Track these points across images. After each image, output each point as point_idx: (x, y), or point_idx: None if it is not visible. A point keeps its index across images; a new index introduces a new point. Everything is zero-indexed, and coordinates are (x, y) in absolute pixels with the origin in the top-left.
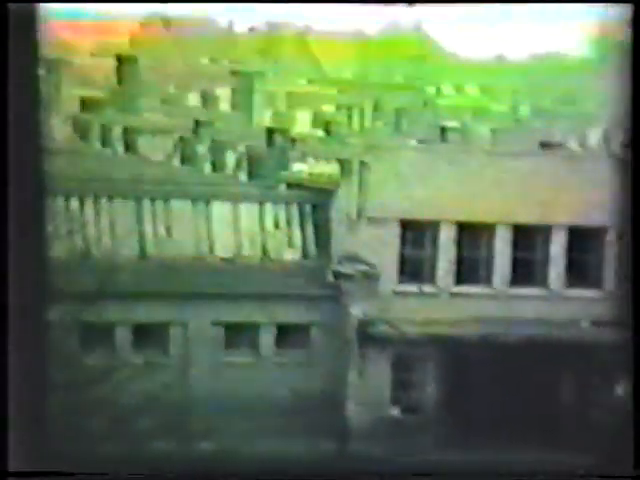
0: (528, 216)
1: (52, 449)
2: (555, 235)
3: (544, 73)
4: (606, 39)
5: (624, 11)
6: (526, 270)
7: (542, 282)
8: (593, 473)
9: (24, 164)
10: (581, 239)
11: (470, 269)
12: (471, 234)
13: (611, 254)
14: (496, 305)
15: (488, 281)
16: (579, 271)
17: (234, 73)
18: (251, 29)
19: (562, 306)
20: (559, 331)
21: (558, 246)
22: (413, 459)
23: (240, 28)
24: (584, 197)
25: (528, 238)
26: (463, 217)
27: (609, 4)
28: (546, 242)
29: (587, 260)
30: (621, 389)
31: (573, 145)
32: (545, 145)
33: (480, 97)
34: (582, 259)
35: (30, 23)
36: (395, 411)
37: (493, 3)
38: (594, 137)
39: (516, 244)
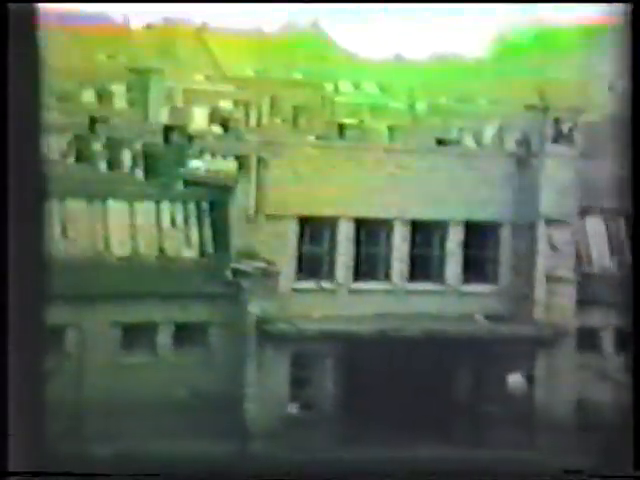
0: (425, 212)
1: (50, 449)
2: (452, 231)
3: (440, 72)
4: (502, 40)
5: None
6: (423, 266)
7: (439, 277)
8: (594, 474)
9: (24, 164)
10: (477, 235)
11: (368, 265)
12: (369, 230)
13: (505, 249)
14: (394, 301)
15: (386, 277)
16: (475, 266)
17: (130, 69)
18: (148, 25)
19: (458, 301)
20: (455, 326)
21: (454, 242)
22: (312, 456)
23: (136, 24)
24: (480, 193)
25: (425, 234)
26: (361, 213)
27: (609, 3)
28: (443, 238)
29: (483, 255)
30: (514, 381)
31: (469, 142)
32: (441, 142)
33: (378, 95)
34: (478, 254)
35: (30, 23)
36: (294, 408)
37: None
38: (489, 135)
39: (414, 240)
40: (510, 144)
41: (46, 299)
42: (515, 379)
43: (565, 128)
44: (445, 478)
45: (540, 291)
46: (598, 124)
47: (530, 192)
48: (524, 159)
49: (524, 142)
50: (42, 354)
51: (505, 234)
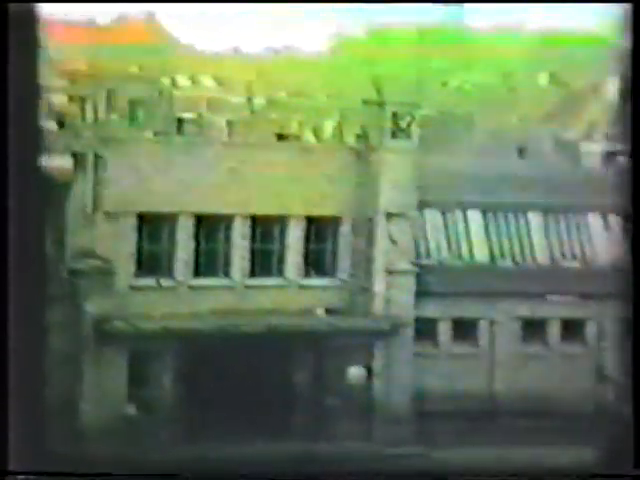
0: (265, 207)
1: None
2: (292, 226)
3: (278, 66)
4: (338, 35)
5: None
6: (264, 260)
7: (279, 272)
8: (593, 473)
9: (24, 164)
10: (317, 229)
11: (209, 261)
12: (209, 226)
13: (345, 243)
14: (235, 296)
15: (226, 273)
16: (315, 260)
17: None
18: None
19: (298, 295)
20: (295, 320)
21: (295, 236)
22: (151, 455)
23: None
24: (319, 188)
25: (266, 229)
26: (201, 209)
27: (609, 4)
28: (283, 233)
29: (323, 249)
30: (354, 374)
31: (308, 137)
32: (281, 137)
33: (216, 88)
34: (318, 249)
35: (30, 23)
36: (131, 409)
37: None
38: (328, 129)
39: (254, 235)
40: (349, 139)
41: (46, 300)
42: (355, 371)
43: (403, 123)
44: (287, 472)
45: (379, 284)
46: (435, 119)
47: (369, 186)
48: (363, 153)
49: (363, 137)
50: (43, 354)
51: (345, 228)
